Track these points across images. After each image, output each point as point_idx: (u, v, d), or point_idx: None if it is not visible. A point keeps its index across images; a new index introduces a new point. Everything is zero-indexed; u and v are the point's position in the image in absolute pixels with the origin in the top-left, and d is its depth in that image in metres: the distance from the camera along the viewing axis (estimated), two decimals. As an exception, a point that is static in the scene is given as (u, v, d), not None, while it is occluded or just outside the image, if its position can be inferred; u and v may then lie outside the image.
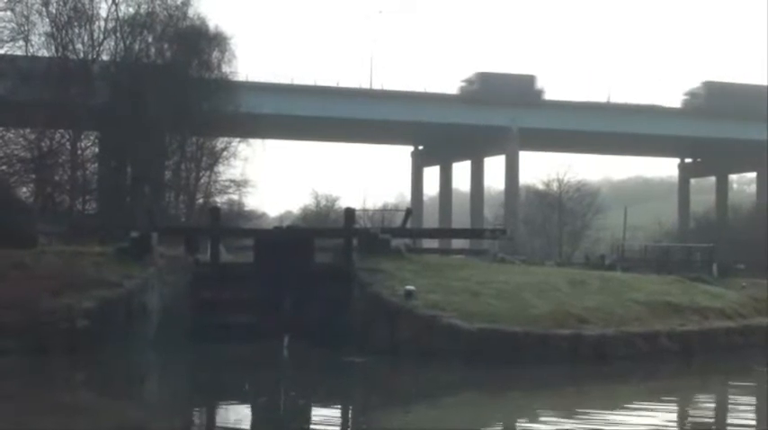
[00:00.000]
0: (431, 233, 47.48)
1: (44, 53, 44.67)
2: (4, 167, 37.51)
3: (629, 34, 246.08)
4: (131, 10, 47.07)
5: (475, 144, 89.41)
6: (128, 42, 46.93)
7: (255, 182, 64.30)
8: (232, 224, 45.38)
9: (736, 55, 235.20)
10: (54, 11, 44.51)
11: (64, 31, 44.66)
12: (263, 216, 76.98)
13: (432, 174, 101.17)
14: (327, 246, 31.29)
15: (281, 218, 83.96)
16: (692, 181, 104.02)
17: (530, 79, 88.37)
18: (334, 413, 16.97)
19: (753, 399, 19.03)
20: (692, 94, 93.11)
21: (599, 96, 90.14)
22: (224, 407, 16.95)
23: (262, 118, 55.12)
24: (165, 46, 48.83)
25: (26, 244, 26.73)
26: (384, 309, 22.83)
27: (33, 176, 39.21)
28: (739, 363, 22.80)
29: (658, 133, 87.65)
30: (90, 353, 20.70)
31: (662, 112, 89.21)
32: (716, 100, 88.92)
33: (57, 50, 44.62)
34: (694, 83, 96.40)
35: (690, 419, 16.77)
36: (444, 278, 24.74)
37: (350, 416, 16.83)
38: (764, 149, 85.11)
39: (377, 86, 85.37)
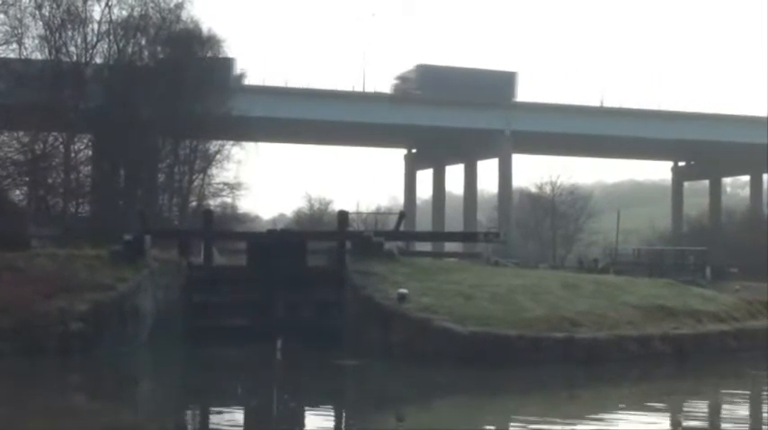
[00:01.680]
0: (424, 236, 47.66)
1: (37, 56, 44.82)
2: (-3, 170, 37.42)
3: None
4: (124, 13, 47.14)
5: (468, 147, 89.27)
6: (121, 45, 46.92)
7: (249, 185, 64.19)
8: (225, 227, 45.35)
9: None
10: (47, 14, 44.57)
11: (57, 34, 44.68)
12: (256, 219, 77.03)
13: (425, 177, 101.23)
14: (320, 248, 31.27)
15: (274, 221, 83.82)
16: (686, 184, 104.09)
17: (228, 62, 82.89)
18: (327, 415, 16.96)
19: (746, 403, 19.06)
20: (403, 79, 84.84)
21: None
22: (216, 409, 16.93)
23: (255, 121, 55.09)
24: (159, 49, 48.83)
25: (19, 247, 26.65)
26: (377, 312, 22.83)
27: (27, 179, 39.09)
28: (733, 367, 22.78)
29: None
30: (83, 355, 20.71)
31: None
32: (429, 85, 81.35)
33: (50, 53, 44.65)
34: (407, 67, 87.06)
35: (682, 422, 16.78)
36: (437, 281, 24.75)
37: (342, 418, 16.84)
38: (758, 152, 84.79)
39: (370, 89, 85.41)
